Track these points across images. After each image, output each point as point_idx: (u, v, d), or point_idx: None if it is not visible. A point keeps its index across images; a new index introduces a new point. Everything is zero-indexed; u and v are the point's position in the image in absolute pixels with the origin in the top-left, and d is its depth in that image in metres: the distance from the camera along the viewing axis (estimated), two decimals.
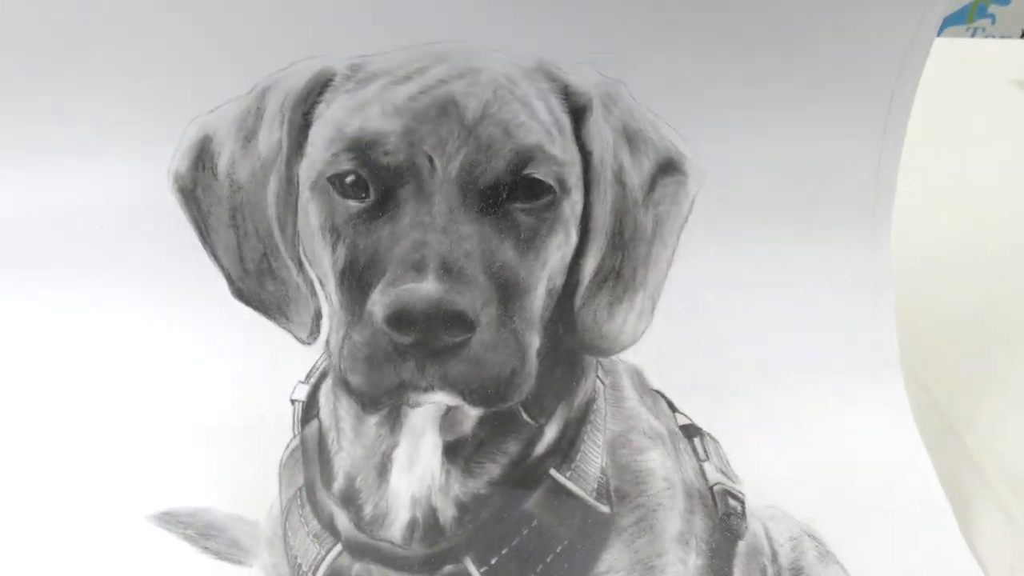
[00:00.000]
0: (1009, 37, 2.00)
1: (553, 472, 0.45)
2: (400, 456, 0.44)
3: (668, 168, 0.44)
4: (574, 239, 0.42)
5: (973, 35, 2.15)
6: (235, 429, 0.52)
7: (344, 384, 0.39)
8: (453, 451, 0.44)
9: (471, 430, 0.44)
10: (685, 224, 0.45)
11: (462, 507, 0.44)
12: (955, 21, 2.16)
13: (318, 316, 0.44)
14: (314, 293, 0.43)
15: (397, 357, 0.37)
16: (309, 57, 0.42)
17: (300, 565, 0.46)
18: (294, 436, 0.48)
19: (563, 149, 0.41)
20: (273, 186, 0.42)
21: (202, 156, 0.44)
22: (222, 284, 0.45)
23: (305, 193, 0.41)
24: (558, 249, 0.41)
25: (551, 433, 0.45)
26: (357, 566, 0.45)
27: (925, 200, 0.61)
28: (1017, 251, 0.80)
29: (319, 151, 0.41)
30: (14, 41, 0.47)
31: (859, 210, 0.54)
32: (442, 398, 0.39)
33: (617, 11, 0.47)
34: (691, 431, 0.51)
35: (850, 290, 0.56)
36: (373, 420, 0.44)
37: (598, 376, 0.47)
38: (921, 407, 0.58)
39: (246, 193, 0.43)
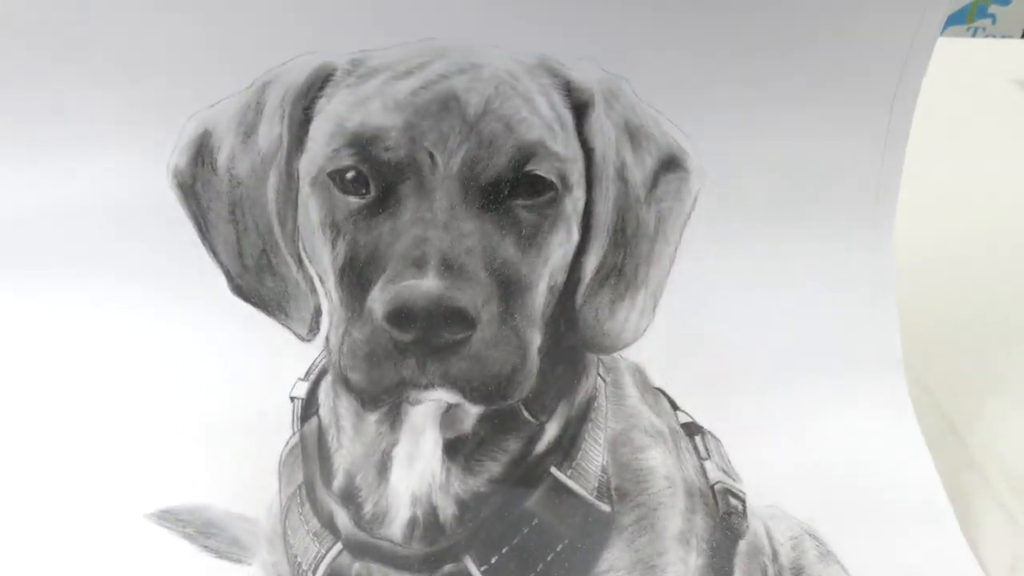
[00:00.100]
0: (1009, 37, 2.01)
1: (554, 470, 0.44)
2: (400, 454, 0.44)
3: (671, 165, 0.44)
4: (576, 236, 0.42)
5: (973, 35, 2.15)
6: (234, 427, 0.52)
7: (344, 381, 0.39)
8: (453, 449, 0.44)
9: (472, 428, 0.44)
10: (688, 221, 0.44)
11: (462, 505, 0.44)
12: (955, 21, 2.17)
13: (318, 313, 0.44)
14: (314, 290, 0.43)
15: (397, 354, 0.37)
16: (309, 52, 0.42)
17: (300, 564, 0.46)
18: (293, 433, 0.48)
19: (565, 145, 0.41)
20: (273, 181, 0.42)
21: (202, 151, 0.43)
22: (221, 282, 0.44)
23: (305, 189, 0.41)
24: (560, 246, 0.41)
25: (552, 431, 0.45)
26: (357, 565, 0.45)
27: (925, 200, 0.61)
28: (1017, 251, 0.80)
29: (319, 146, 0.40)
30: (13, 40, 0.47)
31: (860, 210, 0.54)
32: (442, 396, 0.39)
33: (617, 11, 0.47)
34: (692, 429, 0.50)
35: (852, 290, 0.56)
36: (373, 418, 0.44)
37: (599, 374, 0.47)
38: (922, 407, 0.57)
39: (246, 188, 0.43)
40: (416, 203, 0.39)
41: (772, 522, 0.52)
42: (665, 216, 0.44)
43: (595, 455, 0.45)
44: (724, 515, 0.48)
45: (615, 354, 0.48)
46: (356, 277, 0.39)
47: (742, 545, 0.49)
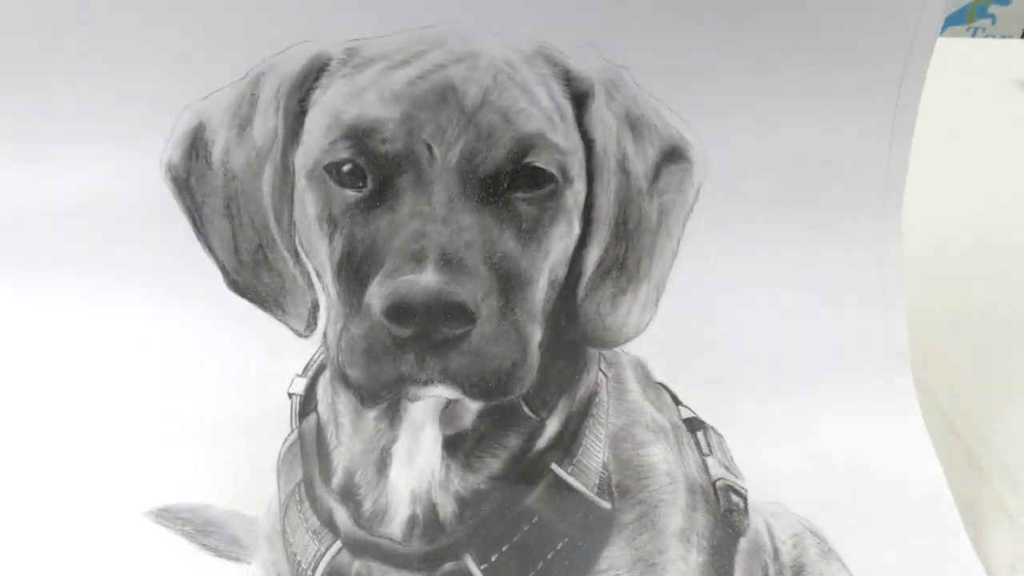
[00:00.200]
0: (1009, 37, 2.01)
1: (554, 467, 0.44)
2: (399, 451, 0.44)
3: (673, 156, 0.43)
4: (577, 229, 0.42)
5: (973, 35, 2.16)
6: (233, 424, 0.52)
7: (342, 377, 0.39)
8: (453, 445, 0.43)
9: (471, 424, 0.43)
10: (691, 214, 0.44)
11: (462, 502, 0.43)
12: (955, 21, 2.17)
13: (315, 308, 0.43)
14: (311, 285, 0.43)
15: (396, 350, 0.37)
16: (304, 41, 0.42)
17: (299, 562, 0.46)
18: (292, 430, 0.48)
19: (565, 137, 0.40)
20: (269, 175, 0.42)
21: (196, 145, 0.43)
22: (217, 278, 0.44)
23: (301, 182, 0.41)
24: (560, 240, 0.41)
25: (552, 427, 0.44)
26: (357, 563, 0.44)
27: (925, 200, 0.61)
28: (1018, 251, 0.80)
29: (315, 139, 0.40)
30: (3, 34, 0.47)
31: (868, 199, 0.53)
32: (442, 391, 0.38)
33: None
34: (695, 425, 0.50)
35: (858, 284, 0.55)
36: (372, 414, 0.44)
37: (600, 369, 0.47)
38: (922, 407, 0.57)
39: (241, 182, 0.42)
40: (414, 196, 0.38)
41: (773, 519, 0.52)
42: (668, 208, 0.43)
43: (596, 451, 0.45)
44: (725, 512, 0.48)
45: (617, 348, 0.48)
46: (354, 272, 0.39)
47: (743, 543, 0.48)
